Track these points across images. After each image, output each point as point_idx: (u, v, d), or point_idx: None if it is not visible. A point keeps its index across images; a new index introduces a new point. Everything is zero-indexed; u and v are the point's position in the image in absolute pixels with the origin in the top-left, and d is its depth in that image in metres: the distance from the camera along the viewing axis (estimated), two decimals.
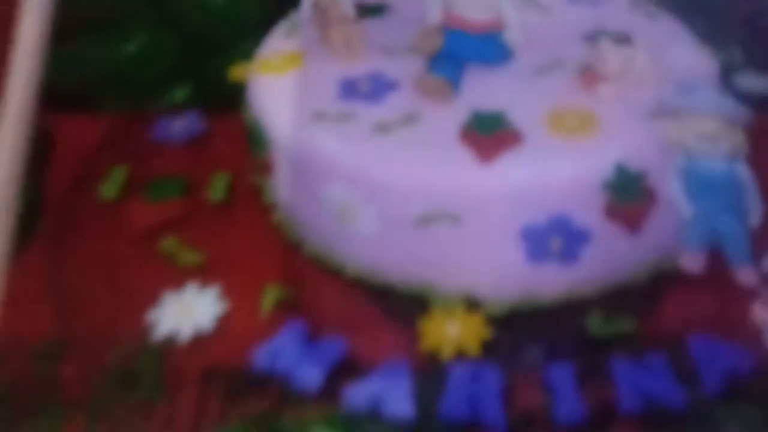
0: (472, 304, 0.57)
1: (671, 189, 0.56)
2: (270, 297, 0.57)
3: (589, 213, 0.56)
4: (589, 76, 0.60)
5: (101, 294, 0.58)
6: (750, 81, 0.65)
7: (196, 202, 0.63)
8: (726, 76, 0.63)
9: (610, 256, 0.58)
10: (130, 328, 0.56)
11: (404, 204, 0.56)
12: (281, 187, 0.62)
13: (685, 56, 0.63)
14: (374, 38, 0.64)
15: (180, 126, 0.67)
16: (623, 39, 0.61)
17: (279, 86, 0.62)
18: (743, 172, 0.55)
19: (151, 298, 0.57)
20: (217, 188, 0.63)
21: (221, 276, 0.58)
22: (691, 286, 0.57)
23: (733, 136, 0.56)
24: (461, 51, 0.61)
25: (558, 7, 0.67)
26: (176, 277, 0.58)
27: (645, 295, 0.58)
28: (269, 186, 0.63)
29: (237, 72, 0.66)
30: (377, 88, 0.60)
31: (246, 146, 0.64)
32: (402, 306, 0.57)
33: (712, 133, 0.55)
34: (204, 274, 0.58)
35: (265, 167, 0.63)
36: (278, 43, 0.66)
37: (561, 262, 0.57)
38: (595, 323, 0.56)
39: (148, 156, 0.66)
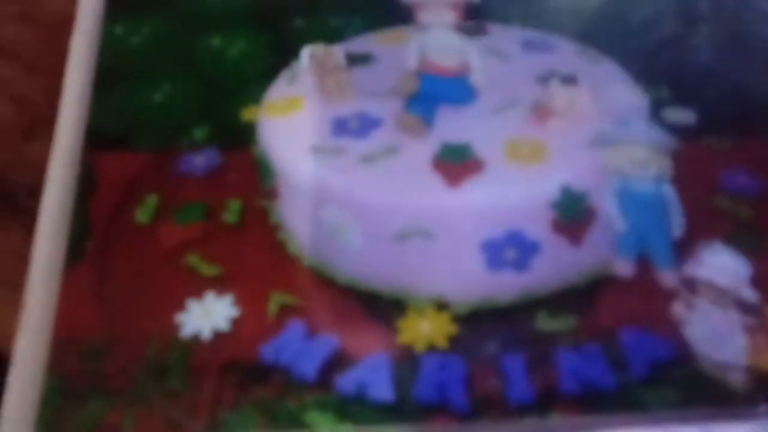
0: (441, 306, 0.61)
1: (608, 207, 0.61)
2: (275, 302, 0.61)
3: (539, 228, 0.61)
4: (541, 112, 0.64)
5: (137, 301, 0.61)
6: (676, 114, 0.69)
7: (214, 224, 0.66)
8: (656, 111, 0.67)
9: (557, 264, 0.62)
10: (161, 329, 0.59)
11: (386, 222, 0.61)
12: (285, 210, 0.66)
13: (621, 94, 0.67)
14: (361, 83, 0.68)
15: (200, 161, 0.70)
16: (570, 80, 0.66)
17: (283, 126, 0.67)
18: (669, 192, 0.61)
19: (178, 304, 0.61)
20: (231, 212, 0.66)
21: (235, 285, 0.62)
22: (622, 288, 0.61)
23: (661, 162, 0.61)
24: (434, 92, 0.65)
25: (515, 54, 0.72)
26: (198, 286, 0.62)
27: (584, 296, 0.61)
28: (275, 209, 0.67)
29: (248, 114, 0.71)
30: (364, 125, 0.65)
31: (256, 177, 0.67)
32: (384, 308, 0.61)
33: (642, 160, 0.61)
34: (221, 284, 0.62)
35: (271, 194, 0.67)
36: (282, 88, 0.71)
37: (515, 269, 0.61)
38: (543, 320, 0.60)
39: (174, 186, 0.69)
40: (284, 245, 0.65)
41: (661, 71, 0.72)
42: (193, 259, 0.64)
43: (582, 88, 0.65)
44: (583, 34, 0.73)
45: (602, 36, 0.73)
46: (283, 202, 0.67)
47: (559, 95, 0.65)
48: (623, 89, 0.68)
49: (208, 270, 0.64)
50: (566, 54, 0.72)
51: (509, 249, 0.61)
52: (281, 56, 0.73)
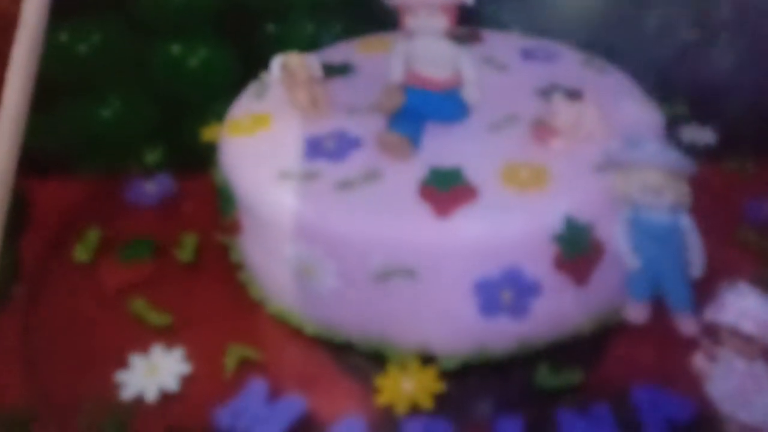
0: (426, 359, 0.57)
1: (617, 240, 0.56)
2: (233, 356, 0.58)
3: (539, 266, 0.57)
4: (542, 130, 0.61)
5: (71, 357, 0.58)
6: (694, 133, 0.67)
7: (164, 262, 0.64)
8: (671, 129, 0.64)
9: (559, 308, 0.58)
10: (98, 390, 0.56)
11: (363, 259, 0.57)
12: (248, 246, 0.63)
13: (632, 110, 0.64)
14: (339, 97, 0.65)
15: (152, 188, 0.68)
16: (574, 94, 0.62)
17: (248, 147, 0.63)
18: (686, 223, 0.56)
19: (119, 359, 0.57)
20: (185, 249, 0.64)
21: (187, 336, 0.59)
22: (634, 336, 0.57)
23: (678, 188, 0.56)
24: (421, 108, 0.62)
25: (513, 64, 0.68)
26: (144, 338, 0.59)
27: (591, 346, 0.58)
28: (236, 246, 0.65)
29: (209, 133, 0.68)
30: (341, 146, 0.61)
31: (215, 207, 0.65)
32: (360, 363, 0.58)
33: (656, 185, 0.56)
34: (171, 334, 0.59)
35: (232, 227, 0.64)
36: (248, 104, 0.67)
37: (512, 315, 0.57)
38: (544, 376, 0.56)
39: (120, 218, 0.66)
40: (246, 288, 0.64)
41: (677, 85, 0.69)
42: (138, 304, 0.62)
43: (588, 104, 0.62)
44: (589, 42, 0.70)
45: (611, 44, 0.70)
46: (247, 237, 0.63)
47: (563, 111, 0.61)
48: (634, 105, 0.65)
49: (156, 318, 0.62)
50: (570, 64, 0.69)
51: (505, 291, 0.57)
52: (248, 67, 0.69)
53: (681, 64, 0.70)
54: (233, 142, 0.64)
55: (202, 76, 0.73)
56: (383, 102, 0.62)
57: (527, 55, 0.69)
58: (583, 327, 0.59)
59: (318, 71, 0.64)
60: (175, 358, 0.58)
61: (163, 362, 0.57)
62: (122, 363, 0.57)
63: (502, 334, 0.58)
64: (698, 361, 0.53)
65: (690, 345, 0.54)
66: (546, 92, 0.64)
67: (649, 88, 0.65)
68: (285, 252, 0.59)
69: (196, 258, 0.64)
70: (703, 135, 0.67)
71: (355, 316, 0.58)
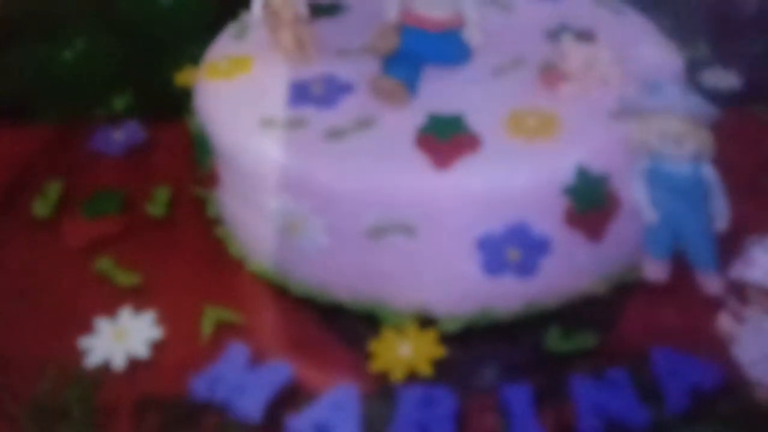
0: (425, 321, 0.55)
1: (635, 193, 0.54)
2: (210, 319, 0.55)
3: (548, 221, 0.54)
4: (551, 75, 0.58)
5: (30, 321, 0.56)
6: (717, 77, 0.64)
7: (134, 218, 0.61)
8: (692, 73, 0.62)
9: (571, 267, 0.56)
10: (60, 357, 0.53)
11: (356, 214, 0.54)
12: (226, 199, 0.61)
13: (650, 53, 0.61)
14: (328, 39, 0.62)
15: (119, 136, 0.65)
16: (586, 36, 0.60)
17: (227, 92, 0.60)
18: (710, 174, 0.53)
19: (83, 323, 0.54)
20: (157, 203, 0.61)
21: (159, 298, 0.56)
22: (654, 296, 0.55)
23: (699, 136, 0.53)
24: (419, 50, 0.59)
25: (520, 4, 0.67)
26: (111, 300, 0.56)
27: (606, 307, 0.56)
28: (213, 199, 0.62)
29: (183, 77, 0.64)
30: (330, 91, 0.58)
31: (190, 157, 0.62)
32: (352, 326, 0.55)
33: (676, 133, 0.53)
34: (141, 296, 0.56)
35: (209, 179, 0.61)
36: (227, 46, 0.64)
37: (519, 273, 0.55)
38: (554, 339, 0.55)
39: (84, 169, 0.64)
40: (224, 245, 0.61)
41: (699, 25, 0.67)
42: (105, 263, 0.60)
43: (601, 46, 0.59)
44: None
45: None
46: (225, 190, 0.60)
47: (573, 54, 0.59)
48: (652, 47, 0.62)
49: (125, 278, 0.59)
50: (583, 3, 0.66)
51: (511, 247, 0.55)
52: (227, 4, 0.66)
53: (701, 1, 0.68)
54: (211, 86, 0.61)
55: (175, 14, 0.69)
56: (377, 43, 0.59)
57: None
58: (598, 286, 0.57)
59: (304, 10, 0.61)
60: (146, 321, 0.55)
61: (132, 326, 0.55)
62: (87, 327, 0.54)
63: (508, 294, 0.55)
64: (724, 322, 0.51)
65: (714, 305, 0.52)
66: (555, 34, 0.61)
67: (667, 28, 0.63)
68: (268, 206, 0.57)
69: (169, 212, 0.61)
70: (726, 79, 0.65)
71: (346, 275, 0.56)
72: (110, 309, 0.55)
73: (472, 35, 0.59)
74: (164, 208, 0.61)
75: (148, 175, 0.63)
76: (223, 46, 0.65)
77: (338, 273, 0.56)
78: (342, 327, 0.56)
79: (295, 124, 0.57)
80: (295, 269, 0.57)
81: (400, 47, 0.59)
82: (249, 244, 0.59)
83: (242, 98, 0.59)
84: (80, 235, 0.59)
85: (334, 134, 0.56)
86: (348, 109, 0.57)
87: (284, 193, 0.55)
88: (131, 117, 0.65)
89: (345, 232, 0.55)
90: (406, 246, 0.54)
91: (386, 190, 0.54)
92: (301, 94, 0.58)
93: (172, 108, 0.63)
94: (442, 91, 0.58)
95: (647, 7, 0.66)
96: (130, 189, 0.62)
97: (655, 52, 0.61)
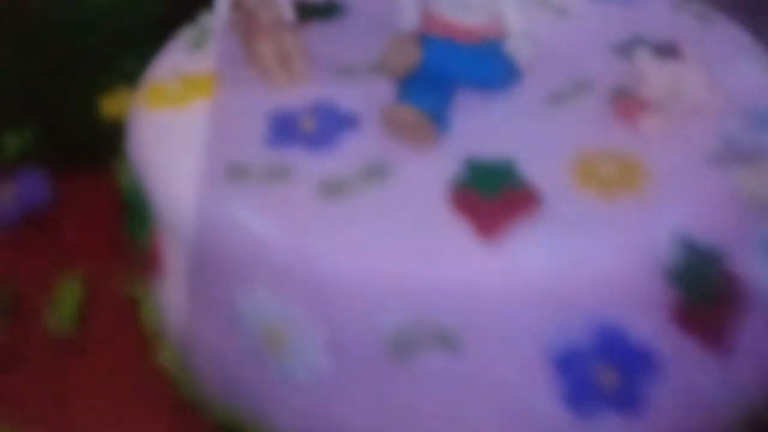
0: None
1: (755, 272, 0.45)
2: None
3: (647, 320, 0.43)
4: (626, 103, 0.49)
5: None
6: None
7: (26, 332, 0.44)
8: None
9: (687, 393, 0.42)
10: None
11: (368, 318, 0.41)
12: (171, 297, 0.46)
13: (749, 73, 0.52)
14: (323, 51, 0.52)
15: (7, 195, 0.50)
16: (667, 50, 0.51)
17: (177, 127, 0.49)
18: None
19: None
20: (63, 306, 0.45)
21: None
22: None
23: None
24: (447, 69, 0.49)
25: (580, 8, 0.57)
26: None
27: None
28: (152, 298, 0.47)
29: (110, 105, 0.51)
30: (326, 126, 0.48)
31: (115, 228, 0.48)
32: None
33: None
34: None
35: (145, 263, 0.47)
36: (178, 60, 0.54)
37: (617, 407, 0.41)
38: None
39: None
40: (168, 378, 0.45)
41: None
42: None
43: (688, 63, 0.50)
44: None
45: None
46: (171, 281, 0.47)
47: (654, 75, 0.50)
48: (753, 65, 0.53)
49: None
50: (659, 9, 0.57)
51: (603, 366, 0.42)
52: (178, 3, 0.54)
53: None
54: (153, 118, 0.50)
55: (104, 13, 0.55)
56: (390, 59, 0.49)
57: None
58: (728, 422, 0.44)
59: (289, 12, 0.51)
60: None
61: None
62: None
63: None
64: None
65: None
66: (627, 48, 0.52)
67: (766, 39, 0.55)
68: (239, 306, 0.43)
69: (81, 323, 0.45)
70: None
71: (357, 417, 0.43)
72: None
73: (519, 48, 0.49)
74: (73, 316, 0.45)
75: (50, 259, 0.47)
76: (173, 61, 0.54)
77: (344, 414, 0.43)
78: None
79: (276, 175, 0.45)
80: (278, 412, 0.43)
81: (421, 64, 0.49)
82: (207, 374, 0.44)
83: (199, 136, 0.48)
84: None
85: (333, 189, 0.44)
86: (352, 152, 0.46)
87: (261, 285, 0.42)
88: (28, 164, 0.51)
89: (353, 347, 0.42)
90: (445, 367, 0.41)
91: (411, 277, 0.41)
92: (284, 129, 0.48)
93: (90, 152, 0.49)
94: (482, 126, 0.47)
95: (742, 12, 0.56)
96: (21, 282, 0.46)
97: (757, 72, 0.52)
